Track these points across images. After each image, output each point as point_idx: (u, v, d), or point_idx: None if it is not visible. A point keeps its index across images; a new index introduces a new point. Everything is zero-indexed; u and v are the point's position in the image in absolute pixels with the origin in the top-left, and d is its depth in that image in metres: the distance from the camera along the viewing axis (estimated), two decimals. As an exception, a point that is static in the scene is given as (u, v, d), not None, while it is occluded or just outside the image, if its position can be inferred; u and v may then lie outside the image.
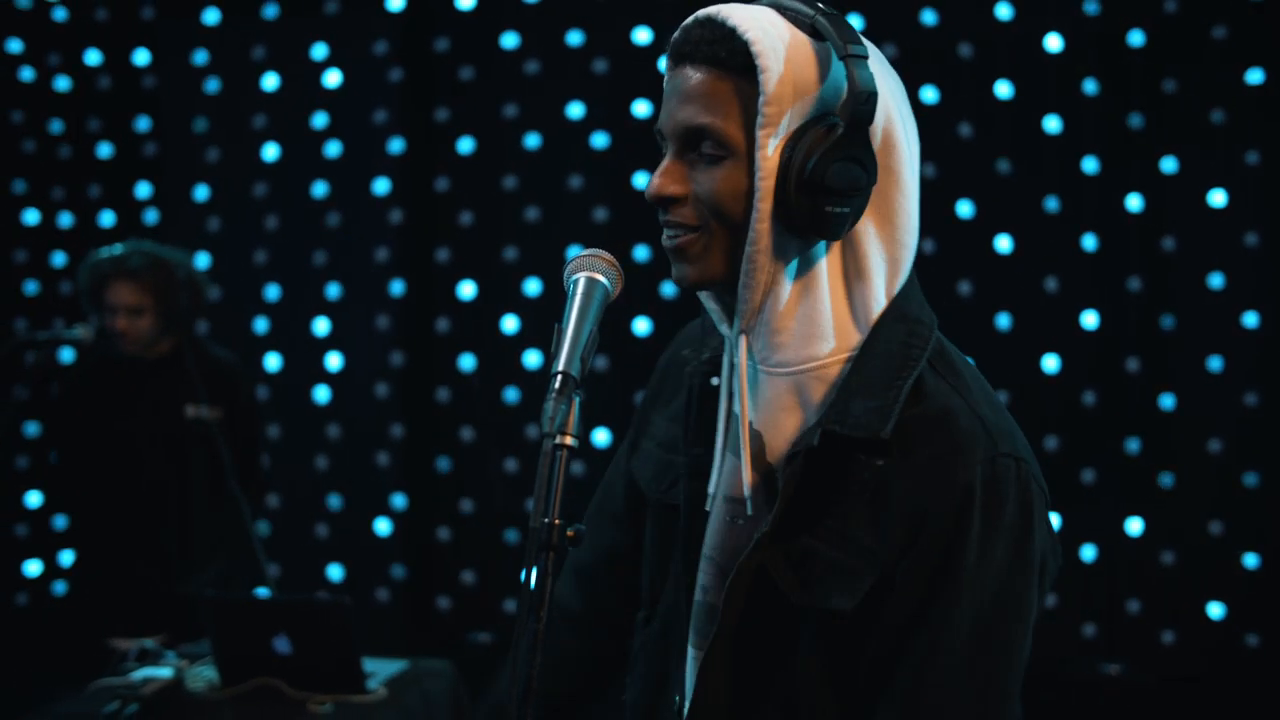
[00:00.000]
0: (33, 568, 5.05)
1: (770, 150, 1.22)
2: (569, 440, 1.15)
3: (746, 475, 1.28)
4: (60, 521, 5.00)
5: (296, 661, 2.71)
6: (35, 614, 5.03)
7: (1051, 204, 4.43)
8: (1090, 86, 4.37)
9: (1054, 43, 4.38)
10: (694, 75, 1.25)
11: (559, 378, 1.17)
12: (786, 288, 1.26)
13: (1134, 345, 4.41)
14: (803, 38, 1.24)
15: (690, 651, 1.38)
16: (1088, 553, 4.45)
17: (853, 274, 1.28)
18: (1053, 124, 4.41)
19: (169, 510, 3.54)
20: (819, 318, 1.26)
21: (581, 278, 1.26)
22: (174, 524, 3.54)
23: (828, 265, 1.27)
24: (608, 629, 1.58)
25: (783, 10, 1.26)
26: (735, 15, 1.23)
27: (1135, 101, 4.37)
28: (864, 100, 1.19)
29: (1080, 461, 4.45)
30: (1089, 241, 4.41)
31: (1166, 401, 4.41)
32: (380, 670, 2.86)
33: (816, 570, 1.23)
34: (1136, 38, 4.35)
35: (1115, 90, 4.37)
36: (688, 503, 1.38)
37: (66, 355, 4.66)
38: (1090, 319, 4.41)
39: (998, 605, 1.19)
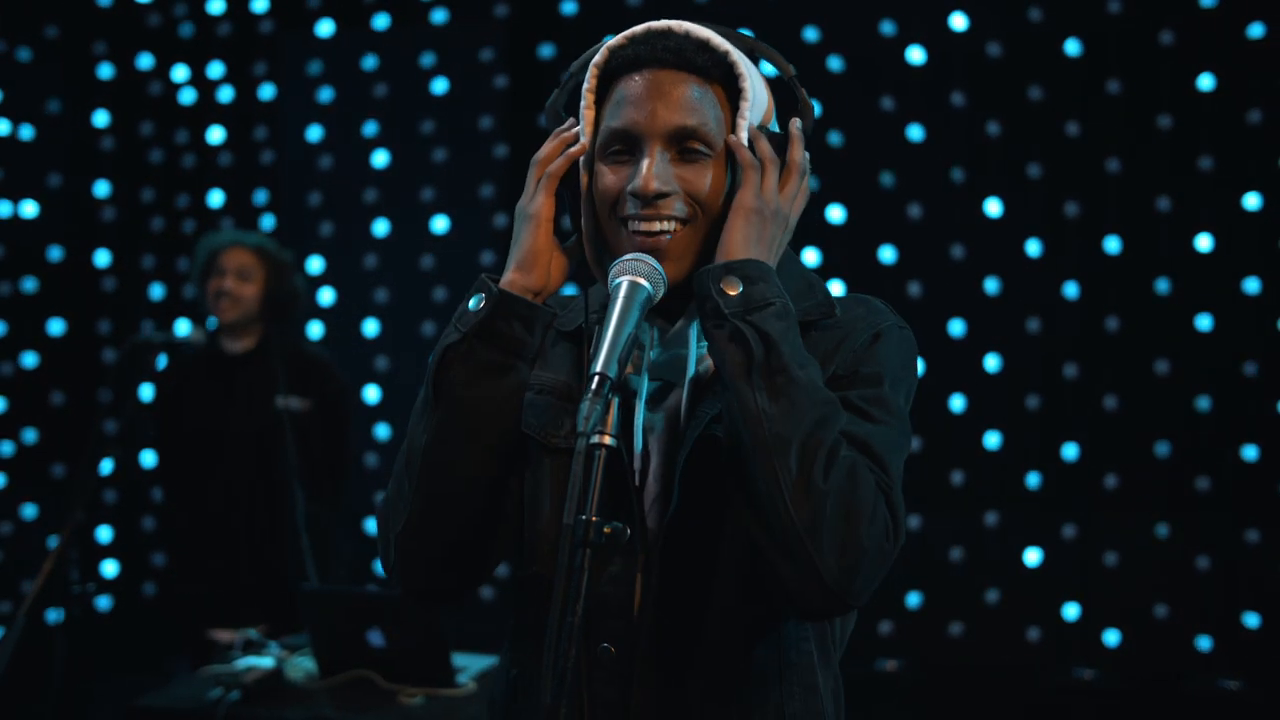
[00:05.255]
0: (158, 560, 5.27)
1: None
2: (606, 440, 1.19)
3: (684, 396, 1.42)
4: (164, 520, 5.21)
5: (389, 654, 2.78)
6: (161, 603, 5.25)
7: (1164, 204, 4.31)
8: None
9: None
10: (674, 79, 1.37)
11: (596, 379, 1.20)
12: None
13: (1250, 349, 4.26)
14: (745, 57, 1.41)
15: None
16: (1201, 562, 4.31)
17: None
18: (1165, 120, 4.30)
19: (257, 502, 3.64)
20: None
21: (624, 281, 1.30)
22: (262, 516, 3.64)
23: None
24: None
25: (722, 34, 1.41)
26: (698, 30, 1.39)
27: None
28: (811, 114, 1.43)
29: (1194, 469, 4.31)
30: (1203, 242, 4.28)
31: (1287, 407, 4.25)
32: (471, 665, 2.92)
33: None
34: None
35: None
36: (600, 464, 1.36)
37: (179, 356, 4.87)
38: (1205, 321, 4.28)
39: (898, 419, 1.38)
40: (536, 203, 1.42)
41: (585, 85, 1.42)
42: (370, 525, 5.03)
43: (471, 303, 1.38)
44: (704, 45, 1.37)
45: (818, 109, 4.47)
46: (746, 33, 1.45)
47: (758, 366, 1.26)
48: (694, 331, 1.42)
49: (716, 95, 1.38)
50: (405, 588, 1.44)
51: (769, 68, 1.46)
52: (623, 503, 1.38)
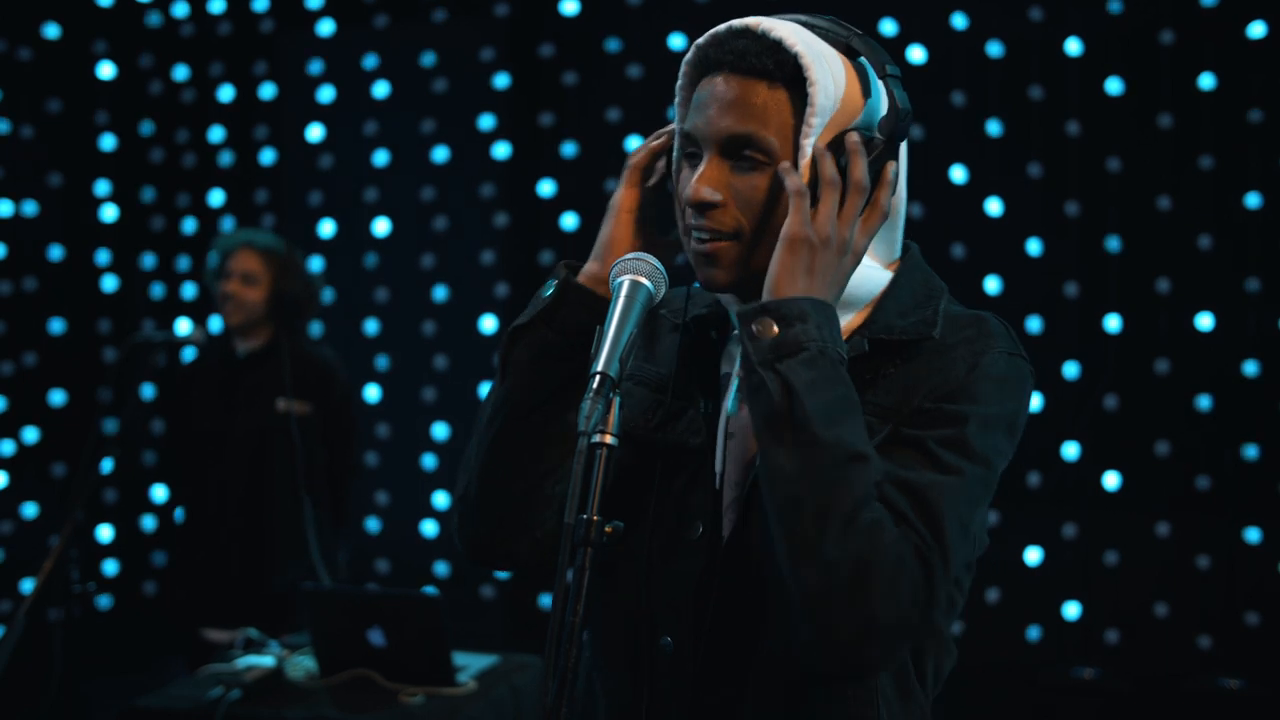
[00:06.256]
0: (159, 559, 5.28)
1: (809, 159, 1.29)
2: (607, 439, 1.19)
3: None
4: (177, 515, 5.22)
5: (390, 654, 2.78)
6: (161, 603, 5.25)
7: (1164, 203, 4.31)
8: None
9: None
10: (737, 84, 1.30)
11: (597, 378, 1.20)
12: None
13: (1251, 348, 4.26)
14: (837, 54, 1.32)
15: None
16: (1202, 562, 4.31)
17: (861, 263, 1.36)
18: (1166, 119, 4.31)
19: (256, 504, 3.64)
20: (846, 302, 1.35)
21: (625, 280, 1.29)
22: (261, 518, 3.63)
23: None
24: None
25: (813, 27, 1.33)
26: (777, 28, 1.29)
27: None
28: (903, 118, 1.32)
29: (1195, 468, 4.31)
30: (1204, 241, 4.28)
31: (1287, 406, 4.25)
32: (471, 664, 2.92)
33: None
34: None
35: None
36: (710, 438, 1.40)
37: (190, 355, 4.86)
38: (1206, 321, 4.27)
39: (978, 465, 1.28)
40: (617, 193, 1.42)
41: (679, 83, 1.38)
42: (370, 525, 5.03)
43: (546, 288, 1.40)
44: (776, 46, 1.28)
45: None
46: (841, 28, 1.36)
47: (778, 419, 1.20)
48: None
49: (786, 100, 1.29)
50: (462, 549, 1.48)
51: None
52: (704, 504, 1.38)
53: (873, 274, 1.38)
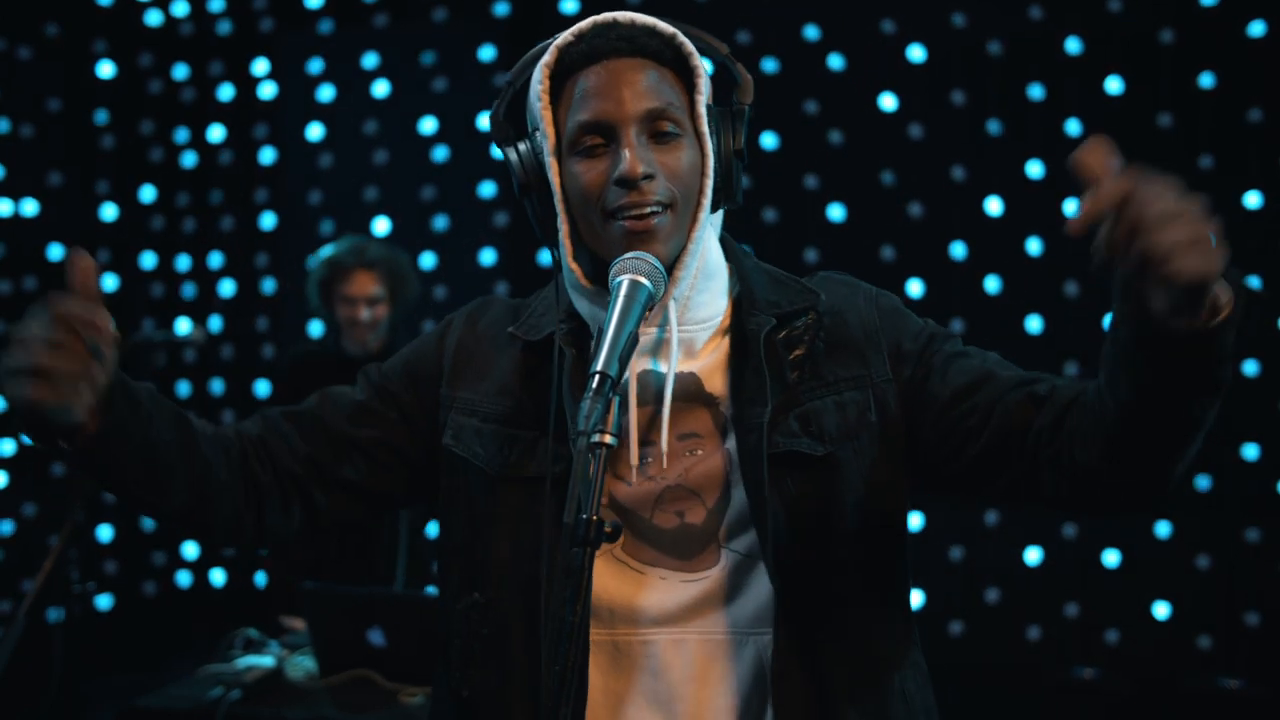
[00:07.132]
0: (159, 559, 5.28)
1: (707, 129, 1.40)
2: (606, 439, 1.18)
3: (665, 420, 1.39)
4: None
5: (390, 653, 2.78)
6: (160, 602, 5.25)
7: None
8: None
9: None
10: (634, 66, 1.39)
11: (596, 378, 1.19)
12: (711, 252, 1.45)
13: (1251, 348, 4.25)
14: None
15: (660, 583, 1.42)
16: (1202, 562, 4.31)
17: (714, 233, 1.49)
18: (1165, 119, 4.30)
19: None
20: (722, 274, 1.47)
21: (625, 280, 1.29)
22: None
23: (713, 227, 1.48)
24: (225, 489, 1.46)
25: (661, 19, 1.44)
26: (643, 17, 1.41)
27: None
28: (751, 88, 1.44)
29: (1194, 468, 4.30)
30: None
31: (1287, 406, 4.25)
32: (471, 664, 2.92)
33: (830, 420, 1.41)
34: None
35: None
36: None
37: (189, 355, 4.86)
38: (1205, 321, 4.27)
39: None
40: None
41: (539, 87, 1.42)
42: (370, 524, 5.03)
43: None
44: (652, 31, 1.40)
45: (817, 107, 4.41)
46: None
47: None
48: (673, 314, 1.40)
49: (672, 78, 1.40)
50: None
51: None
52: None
53: (718, 248, 1.48)
